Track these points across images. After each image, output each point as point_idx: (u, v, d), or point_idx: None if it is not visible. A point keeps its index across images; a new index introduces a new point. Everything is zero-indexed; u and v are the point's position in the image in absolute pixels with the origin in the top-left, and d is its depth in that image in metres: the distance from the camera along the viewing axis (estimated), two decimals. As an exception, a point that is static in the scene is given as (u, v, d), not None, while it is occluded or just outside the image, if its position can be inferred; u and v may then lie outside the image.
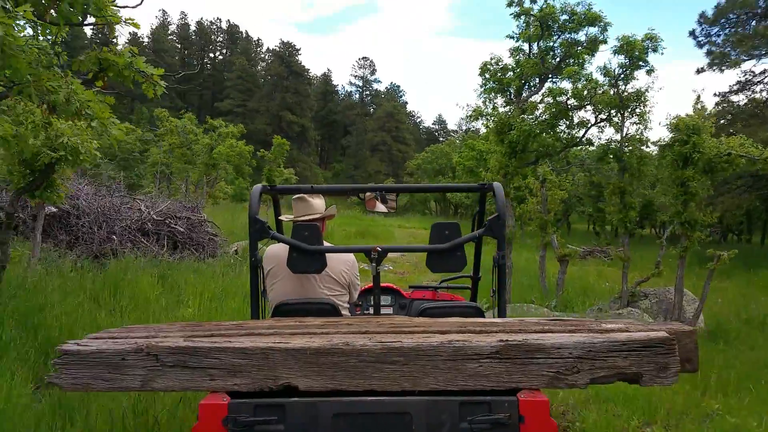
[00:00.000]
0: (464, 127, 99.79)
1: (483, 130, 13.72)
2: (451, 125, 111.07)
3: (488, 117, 9.94)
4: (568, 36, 9.81)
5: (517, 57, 10.08)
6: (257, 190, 2.95)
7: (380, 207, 3.20)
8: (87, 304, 6.37)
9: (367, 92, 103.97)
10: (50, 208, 10.38)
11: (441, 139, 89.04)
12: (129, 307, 6.74)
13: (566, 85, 9.38)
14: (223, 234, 14.22)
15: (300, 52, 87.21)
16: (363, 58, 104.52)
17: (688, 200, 8.73)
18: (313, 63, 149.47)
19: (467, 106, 10.25)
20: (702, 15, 24.83)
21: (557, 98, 9.27)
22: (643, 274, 11.21)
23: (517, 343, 1.87)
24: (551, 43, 9.87)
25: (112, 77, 4.02)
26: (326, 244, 3.04)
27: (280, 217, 3.55)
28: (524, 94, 10.14)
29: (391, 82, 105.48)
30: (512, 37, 10.11)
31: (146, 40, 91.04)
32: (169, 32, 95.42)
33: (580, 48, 9.64)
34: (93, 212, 11.14)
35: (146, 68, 4.03)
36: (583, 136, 10.10)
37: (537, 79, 10.02)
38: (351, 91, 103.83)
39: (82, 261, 9.67)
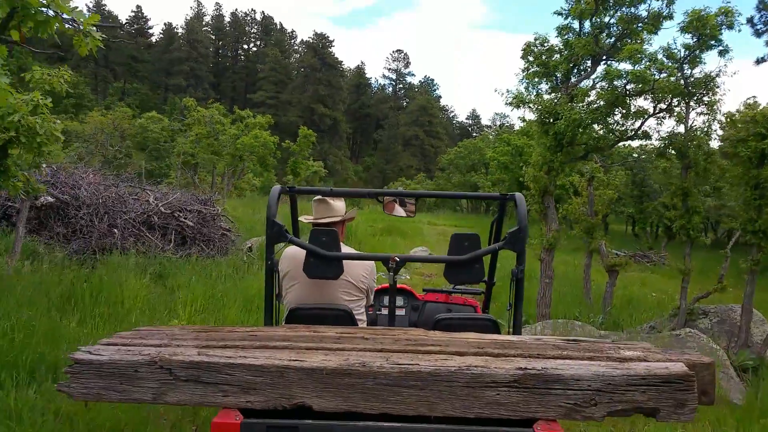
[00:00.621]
0: (498, 123, 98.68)
1: (518, 124, 12.47)
2: (485, 120, 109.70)
3: (531, 105, 8.67)
4: (626, 11, 8.48)
5: (566, 36, 8.77)
6: (276, 192, 2.80)
7: (399, 211, 3.15)
8: (53, 312, 5.42)
9: (401, 86, 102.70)
10: (46, 198, 9.55)
11: (474, 134, 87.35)
12: (106, 315, 5.77)
13: (625, 66, 8.05)
14: (237, 229, 13.25)
15: (333, 44, 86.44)
16: (397, 50, 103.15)
17: (763, 205, 7.43)
18: (347, 56, 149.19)
19: (507, 92, 8.86)
20: (761, 1, 22.94)
21: (614, 82, 7.95)
22: (700, 288, 9.87)
23: (536, 372, 1.85)
24: (606, 19, 8.55)
25: (33, 28, 2.97)
26: (345, 248, 2.99)
27: (301, 218, 3.45)
28: (573, 80, 8.84)
29: (425, 76, 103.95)
30: (560, 14, 8.81)
31: (180, 30, 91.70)
32: (204, 23, 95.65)
33: (640, 24, 8.31)
34: (94, 203, 10.28)
35: (74, 13, 2.96)
36: (639, 128, 8.76)
37: (589, 61, 8.71)
38: (384, 85, 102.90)
39: (75, 256, 8.82)
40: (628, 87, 8.12)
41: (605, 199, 10.65)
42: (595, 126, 8.43)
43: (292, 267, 3.04)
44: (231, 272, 8.96)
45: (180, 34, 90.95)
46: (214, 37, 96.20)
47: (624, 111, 8.29)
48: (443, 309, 3.81)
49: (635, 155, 24.69)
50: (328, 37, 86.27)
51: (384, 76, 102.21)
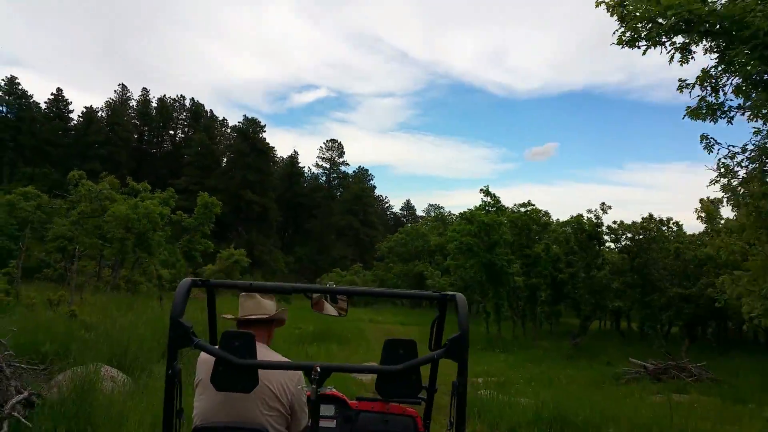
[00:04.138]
0: (432, 213, 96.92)
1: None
2: (420, 212, 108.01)
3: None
4: None
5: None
6: (185, 286, 2.37)
7: (329, 309, 2.86)
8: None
9: (335, 175, 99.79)
10: None
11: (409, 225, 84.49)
12: None
13: None
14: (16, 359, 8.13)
15: (265, 130, 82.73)
16: (331, 140, 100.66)
17: None
18: (280, 147, 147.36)
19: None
20: None
21: None
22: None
23: None
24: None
25: None
26: (271, 353, 2.88)
27: (224, 316, 3.14)
28: None
29: (359, 166, 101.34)
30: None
31: (102, 114, 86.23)
32: (128, 108, 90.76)
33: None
34: None
35: None
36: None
37: None
38: (317, 174, 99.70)
39: None
40: None
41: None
42: None
43: (205, 374, 2.68)
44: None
45: (101, 117, 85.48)
46: (138, 122, 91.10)
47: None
48: (379, 420, 3.36)
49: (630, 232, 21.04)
50: (259, 122, 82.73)
51: (317, 165, 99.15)
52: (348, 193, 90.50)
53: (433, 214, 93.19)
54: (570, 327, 29.59)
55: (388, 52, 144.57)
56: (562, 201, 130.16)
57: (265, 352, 2.81)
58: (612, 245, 24.25)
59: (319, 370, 2.28)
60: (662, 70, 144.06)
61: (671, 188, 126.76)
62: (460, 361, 2.35)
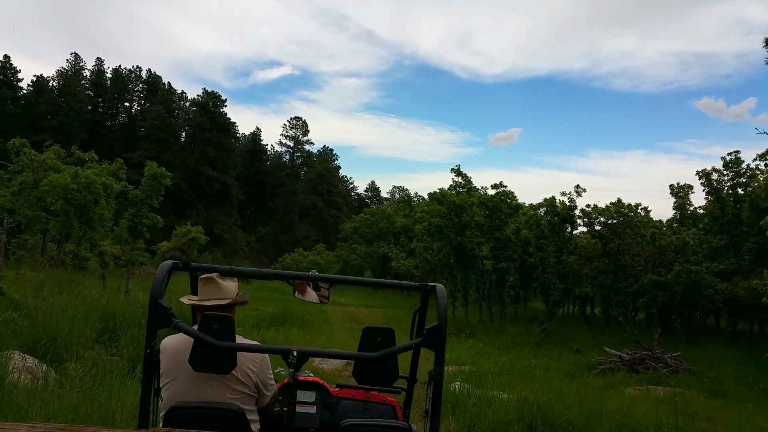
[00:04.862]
0: (397, 195, 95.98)
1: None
2: (384, 193, 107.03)
3: None
4: None
5: None
6: (165, 268, 2.43)
7: (312, 296, 3.01)
8: None
9: (299, 154, 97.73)
10: None
11: (374, 206, 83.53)
12: None
13: None
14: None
15: (226, 104, 79.85)
16: (295, 118, 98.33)
17: None
18: (242, 124, 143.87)
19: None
20: None
21: None
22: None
23: None
24: None
25: None
26: (237, 337, 2.63)
27: (181, 299, 3.06)
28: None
29: (324, 145, 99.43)
30: None
31: (53, 82, 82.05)
32: (81, 78, 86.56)
33: None
34: None
35: None
36: None
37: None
38: (281, 152, 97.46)
39: None
40: None
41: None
42: None
43: (172, 360, 2.69)
44: None
45: (52, 87, 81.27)
46: (92, 93, 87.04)
47: None
48: (359, 407, 3.29)
49: (604, 217, 20.35)
50: (219, 96, 79.73)
51: (281, 143, 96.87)
52: (312, 173, 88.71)
53: (398, 196, 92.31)
54: (537, 312, 29.12)
55: (354, 31, 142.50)
56: (524, 186, 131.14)
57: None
58: (584, 229, 23.67)
59: (295, 354, 2.28)
60: (625, 58, 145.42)
61: (629, 176, 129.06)
62: (437, 350, 2.37)
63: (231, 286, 2.94)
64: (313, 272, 2.58)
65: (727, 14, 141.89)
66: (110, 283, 17.42)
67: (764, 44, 15.94)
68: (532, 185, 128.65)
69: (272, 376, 2.93)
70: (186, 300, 3.00)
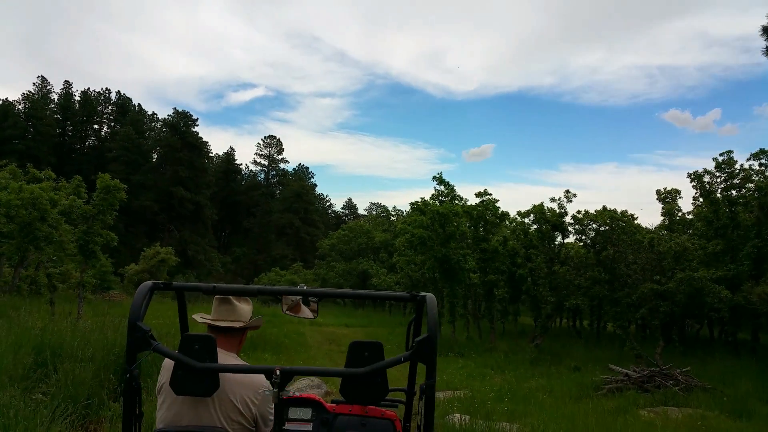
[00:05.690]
0: (375, 212, 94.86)
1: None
2: (362, 210, 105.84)
3: None
4: None
5: None
6: (145, 289, 2.31)
7: (306, 312, 2.71)
8: None
9: (274, 172, 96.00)
10: None
11: (352, 222, 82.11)
12: None
13: None
14: None
15: (197, 124, 78.05)
16: (269, 136, 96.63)
17: None
18: (216, 145, 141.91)
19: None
20: None
21: None
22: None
23: None
24: None
25: None
26: (236, 360, 2.84)
27: (195, 316, 3.01)
28: None
29: (300, 164, 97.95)
30: None
31: (19, 106, 79.47)
32: (49, 101, 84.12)
33: None
34: None
35: None
36: None
37: None
38: (256, 171, 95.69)
39: None
40: None
41: None
42: None
43: (167, 379, 2.55)
44: None
45: (18, 110, 78.71)
46: (60, 116, 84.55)
47: None
48: (356, 423, 3.11)
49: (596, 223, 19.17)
50: (190, 116, 77.88)
51: (255, 162, 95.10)
52: (288, 191, 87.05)
53: (375, 212, 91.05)
54: (527, 327, 27.82)
55: (326, 52, 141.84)
56: (501, 201, 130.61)
57: (232, 362, 2.73)
58: (573, 237, 22.55)
59: (278, 373, 2.23)
60: (593, 73, 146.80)
61: (602, 188, 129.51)
62: (428, 362, 2.28)
63: (246, 309, 2.92)
64: (302, 286, 2.47)
65: (686, 28, 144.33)
66: (62, 308, 15.79)
67: (761, 32, 15.12)
68: (507, 200, 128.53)
69: (273, 412, 2.66)
70: (199, 318, 2.97)
